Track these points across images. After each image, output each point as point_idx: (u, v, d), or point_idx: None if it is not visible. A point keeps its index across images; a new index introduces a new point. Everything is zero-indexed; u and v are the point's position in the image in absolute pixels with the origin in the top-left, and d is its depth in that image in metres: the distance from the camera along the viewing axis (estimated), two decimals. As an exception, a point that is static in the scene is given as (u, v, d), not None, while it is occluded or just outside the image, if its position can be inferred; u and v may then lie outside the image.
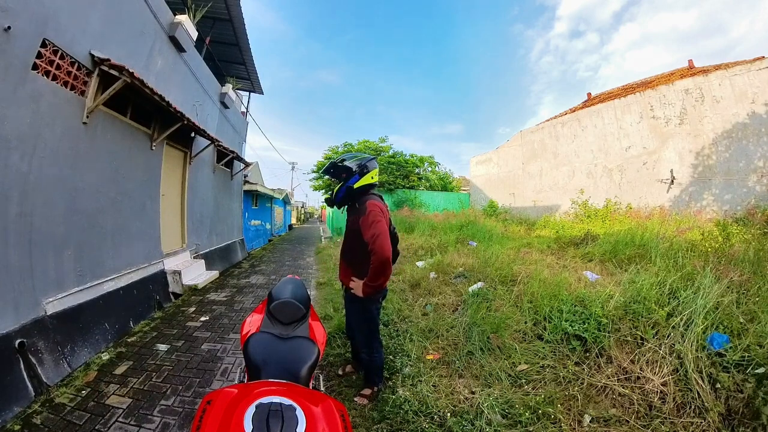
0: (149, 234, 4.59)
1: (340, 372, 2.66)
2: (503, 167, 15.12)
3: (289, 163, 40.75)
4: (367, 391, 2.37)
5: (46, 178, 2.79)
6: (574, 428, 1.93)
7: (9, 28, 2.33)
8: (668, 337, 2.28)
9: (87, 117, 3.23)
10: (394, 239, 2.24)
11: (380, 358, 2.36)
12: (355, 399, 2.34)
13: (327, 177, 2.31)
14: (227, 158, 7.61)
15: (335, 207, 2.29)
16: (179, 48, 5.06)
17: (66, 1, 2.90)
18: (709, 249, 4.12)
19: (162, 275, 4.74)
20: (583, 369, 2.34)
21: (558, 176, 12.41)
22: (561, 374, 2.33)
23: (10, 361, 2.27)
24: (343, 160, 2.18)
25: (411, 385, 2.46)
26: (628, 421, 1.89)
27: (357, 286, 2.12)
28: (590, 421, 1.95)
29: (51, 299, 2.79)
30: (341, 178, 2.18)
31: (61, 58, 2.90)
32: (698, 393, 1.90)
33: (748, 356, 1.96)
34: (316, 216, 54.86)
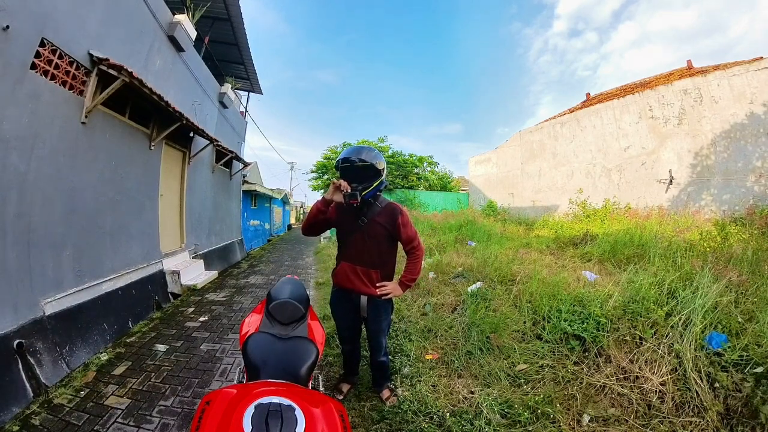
0: (148, 234, 4.58)
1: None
2: (502, 167, 15.12)
3: (288, 163, 40.66)
4: (387, 392, 2.36)
5: (45, 178, 2.78)
6: (573, 428, 1.93)
7: (7, 27, 2.32)
8: (667, 336, 2.28)
9: (85, 117, 3.23)
10: None
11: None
12: (386, 402, 2.28)
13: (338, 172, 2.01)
14: (226, 158, 7.59)
15: (354, 205, 1.89)
16: (178, 47, 5.05)
17: (65, 0, 2.89)
18: (708, 249, 4.13)
19: (161, 275, 4.73)
20: (582, 369, 2.35)
21: (557, 176, 12.42)
22: (560, 374, 2.34)
23: (9, 361, 2.26)
24: (371, 159, 1.90)
25: (410, 385, 2.47)
26: (627, 421, 1.89)
27: (393, 287, 2.09)
28: (589, 421, 1.95)
29: (49, 300, 2.78)
30: (366, 176, 1.92)
31: (60, 57, 2.89)
32: (697, 392, 1.90)
33: (746, 356, 1.96)
34: (315, 216, 54.56)
